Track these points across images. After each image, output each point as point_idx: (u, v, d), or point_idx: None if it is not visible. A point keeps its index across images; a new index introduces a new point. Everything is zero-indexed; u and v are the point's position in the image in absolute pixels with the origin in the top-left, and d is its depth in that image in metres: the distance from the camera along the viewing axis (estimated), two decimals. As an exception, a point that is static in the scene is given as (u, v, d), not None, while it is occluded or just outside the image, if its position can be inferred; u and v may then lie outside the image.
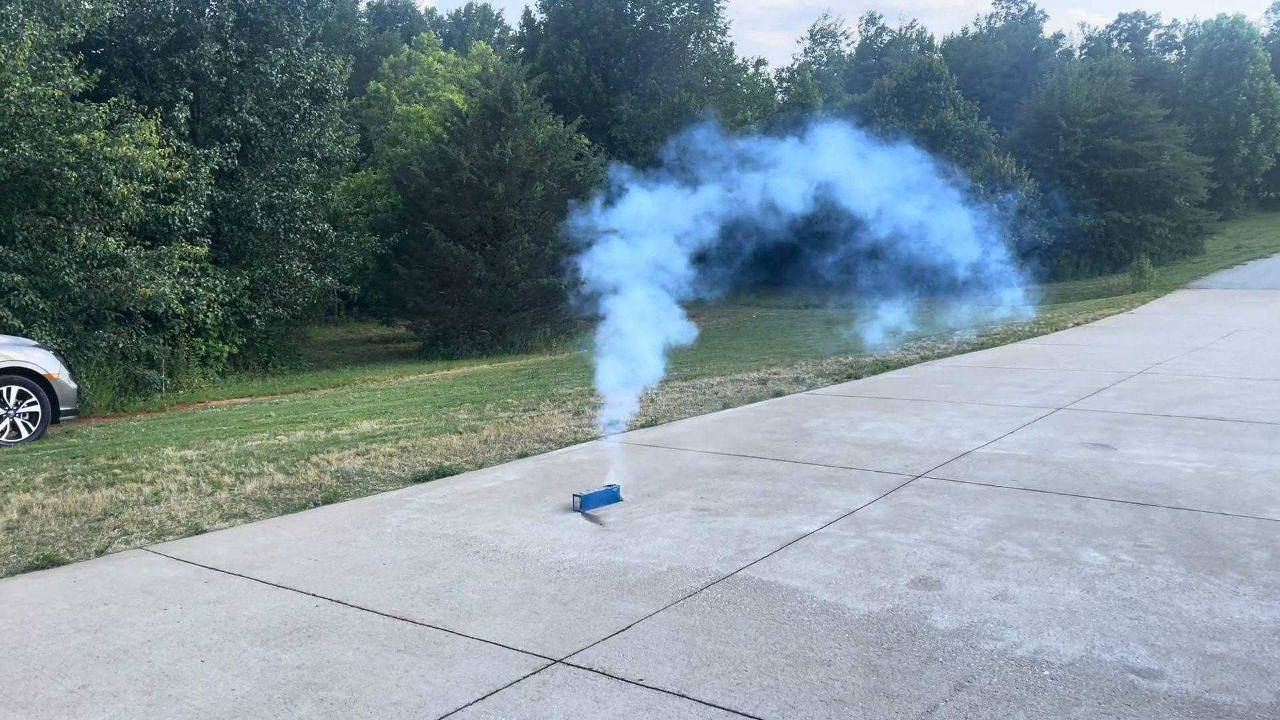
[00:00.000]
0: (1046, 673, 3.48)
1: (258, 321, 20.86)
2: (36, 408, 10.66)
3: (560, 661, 3.67)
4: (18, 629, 4.14)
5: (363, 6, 53.17)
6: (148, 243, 17.38)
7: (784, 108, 39.96)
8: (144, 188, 16.37)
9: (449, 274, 23.89)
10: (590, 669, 3.60)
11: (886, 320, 18.87)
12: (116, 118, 16.24)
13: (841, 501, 5.90)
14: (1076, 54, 56.87)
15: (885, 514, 5.60)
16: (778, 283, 32.37)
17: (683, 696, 3.36)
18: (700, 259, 7.54)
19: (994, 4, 66.47)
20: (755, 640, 3.82)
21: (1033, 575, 4.49)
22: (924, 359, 13.40)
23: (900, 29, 57.07)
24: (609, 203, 7.60)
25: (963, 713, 3.19)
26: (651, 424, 8.84)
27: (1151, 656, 3.60)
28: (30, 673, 3.69)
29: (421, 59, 36.68)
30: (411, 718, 3.25)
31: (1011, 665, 3.55)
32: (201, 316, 18.59)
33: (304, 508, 6.12)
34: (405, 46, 37.77)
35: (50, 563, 5.04)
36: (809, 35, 62.04)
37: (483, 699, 3.38)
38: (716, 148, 8.81)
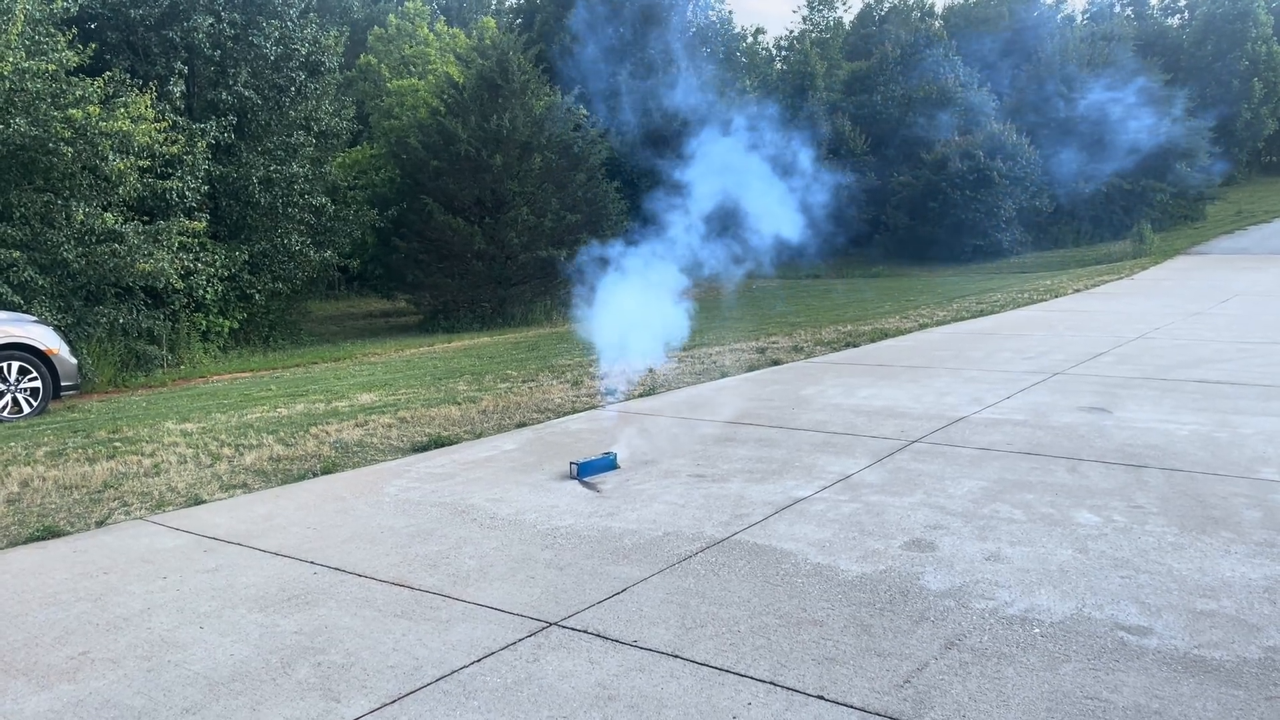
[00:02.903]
0: (1036, 630, 3.51)
1: (258, 296, 20.84)
2: (37, 383, 10.69)
3: (555, 624, 3.70)
4: (19, 598, 4.18)
5: (358, -23, 52.66)
6: (146, 218, 17.34)
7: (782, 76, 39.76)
8: (141, 163, 16.32)
9: (448, 247, 23.83)
10: (585, 631, 3.63)
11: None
12: (111, 92, 16.16)
13: (837, 466, 5.93)
14: (1078, 19, 56.33)
15: (880, 478, 5.63)
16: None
17: (676, 657, 3.39)
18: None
19: (995, -31, 65.67)
20: (749, 602, 3.86)
21: (1025, 536, 4.52)
22: (923, 326, 13.40)
23: (901, -4, 56.42)
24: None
25: (952, 669, 3.23)
26: (649, 393, 8.86)
27: (1142, 614, 3.63)
28: (31, 640, 3.73)
29: (411, 30, 36.31)
30: (408, 680, 3.29)
31: (1002, 624, 3.58)
32: (201, 292, 18.56)
33: (303, 478, 6.15)
34: (391, 17, 37.33)
35: (51, 534, 5.08)
36: (805, 2, 61.41)
37: (478, 661, 3.41)
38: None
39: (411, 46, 35.05)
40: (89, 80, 15.52)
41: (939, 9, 55.18)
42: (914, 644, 3.43)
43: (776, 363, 10.44)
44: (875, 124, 36.88)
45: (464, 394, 9.30)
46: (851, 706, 3.02)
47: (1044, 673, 3.19)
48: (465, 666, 3.38)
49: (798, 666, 3.29)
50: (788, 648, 3.43)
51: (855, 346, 11.61)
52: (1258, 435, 6.40)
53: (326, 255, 22.29)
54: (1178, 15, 58.94)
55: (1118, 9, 57.75)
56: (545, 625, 3.70)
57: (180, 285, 17.41)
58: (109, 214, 15.76)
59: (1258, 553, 4.23)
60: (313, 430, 7.58)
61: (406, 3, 39.52)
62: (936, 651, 3.37)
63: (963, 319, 14.27)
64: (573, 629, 3.66)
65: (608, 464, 6.05)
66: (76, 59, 15.52)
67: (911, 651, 3.37)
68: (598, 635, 3.60)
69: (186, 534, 5.02)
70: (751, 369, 10.10)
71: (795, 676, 3.22)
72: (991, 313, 14.99)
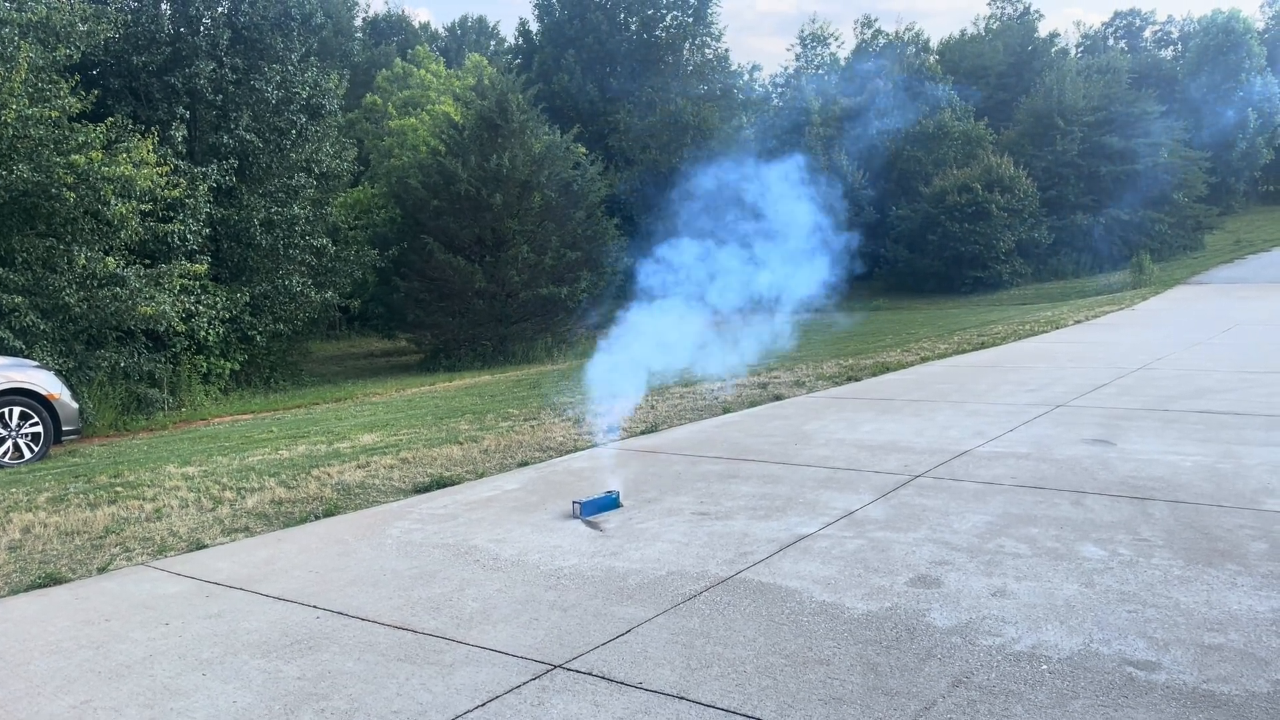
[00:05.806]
0: (1044, 667, 3.49)
1: (259, 338, 20.90)
2: (39, 428, 10.69)
3: (560, 667, 3.68)
4: (20, 647, 4.16)
5: (358, 21, 53.38)
6: (147, 261, 17.43)
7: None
8: (142, 207, 16.42)
9: (449, 286, 23.93)
10: (590, 673, 3.61)
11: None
12: (114, 137, 16.30)
13: (841, 502, 5.91)
14: (1072, 52, 56.89)
15: (884, 514, 5.61)
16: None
17: (681, 698, 3.37)
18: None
19: (989, 4, 66.50)
20: (754, 641, 3.83)
21: (1031, 571, 4.50)
22: (924, 360, 13.41)
23: (896, 31, 56.99)
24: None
25: (960, 708, 3.20)
26: (651, 430, 8.85)
27: (1149, 649, 3.61)
28: (33, 690, 3.71)
29: (416, 72, 36.73)
30: (411, 726, 3.26)
31: (1009, 660, 3.56)
32: (203, 334, 18.62)
33: (305, 521, 6.13)
34: (398, 60, 37.80)
35: (53, 581, 5.06)
36: (799, 40, 62.04)
37: (483, 705, 3.39)
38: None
39: (407, 90, 35.42)
40: (91, 126, 15.66)
41: (934, 44, 55.67)
42: (921, 682, 3.41)
43: (778, 398, 10.43)
44: (872, 158, 37.12)
45: (466, 433, 9.29)
46: (859, 747, 2.99)
47: (1053, 710, 3.16)
48: (469, 711, 3.35)
49: (805, 707, 3.26)
50: (794, 688, 3.41)
51: (857, 380, 11.61)
52: (1262, 466, 6.38)
53: (327, 296, 22.38)
54: (1171, 47, 59.54)
55: (1111, 42, 58.35)
56: (549, 668, 3.67)
57: (181, 328, 17.47)
58: (110, 258, 15.84)
59: (1264, 585, 4.20)
60: (314, 472, 7.57)
61: (416, 46, 39.96)
62: (944, 690, 3.34)
63: (964, 352, 14.28)
64: (577, 671, 3.63)
65: (610, 502, 6.03)
66: (79, 105, 15.67)
67: (919, 690, 3.35)
68: (603, 677, 3.57)
69: (188, 579, 5.00)
70: (753, 404, 10.10)
71: (802, 717, 3.19)
72: (993, 345, 15.01)
